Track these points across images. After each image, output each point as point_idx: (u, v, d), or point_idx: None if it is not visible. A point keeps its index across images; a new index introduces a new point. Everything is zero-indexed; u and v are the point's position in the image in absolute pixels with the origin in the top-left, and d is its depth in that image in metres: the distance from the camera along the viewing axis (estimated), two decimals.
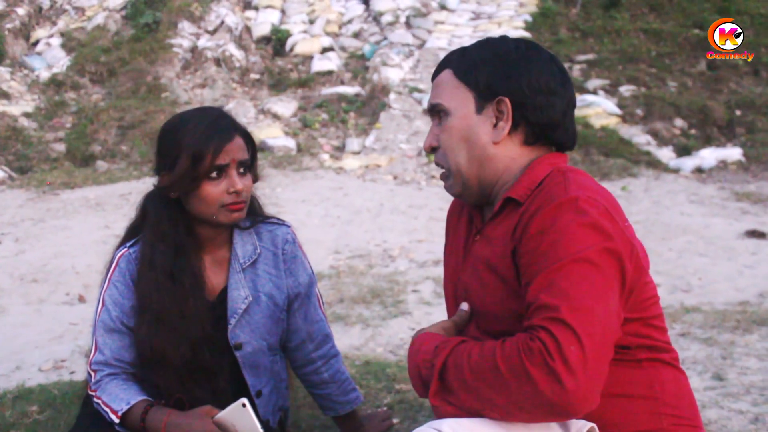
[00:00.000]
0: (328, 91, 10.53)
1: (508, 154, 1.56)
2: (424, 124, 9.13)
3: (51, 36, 12.15)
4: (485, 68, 1.56)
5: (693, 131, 9.68)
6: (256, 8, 12.57)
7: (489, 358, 1.34)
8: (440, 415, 1.42)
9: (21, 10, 12.37)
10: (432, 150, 1.64)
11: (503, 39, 1.62)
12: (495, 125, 1.56)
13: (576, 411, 1.29)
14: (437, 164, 1.65)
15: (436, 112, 1.62)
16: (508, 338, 1.36)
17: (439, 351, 1.44)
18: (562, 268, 1.35)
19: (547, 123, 1.55)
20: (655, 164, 8.56)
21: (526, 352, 1.29)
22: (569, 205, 1.41)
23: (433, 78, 1.67)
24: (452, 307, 1.73)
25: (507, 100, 1.53)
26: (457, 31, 11.55)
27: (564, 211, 1.40)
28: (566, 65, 10.81)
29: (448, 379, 1.41)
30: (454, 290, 1.71)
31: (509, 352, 1.32)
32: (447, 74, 1.62)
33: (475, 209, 1.67)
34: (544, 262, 1.38)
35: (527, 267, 1.42)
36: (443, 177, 1.66)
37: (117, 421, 1.86)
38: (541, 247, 1.40)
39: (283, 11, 12.48)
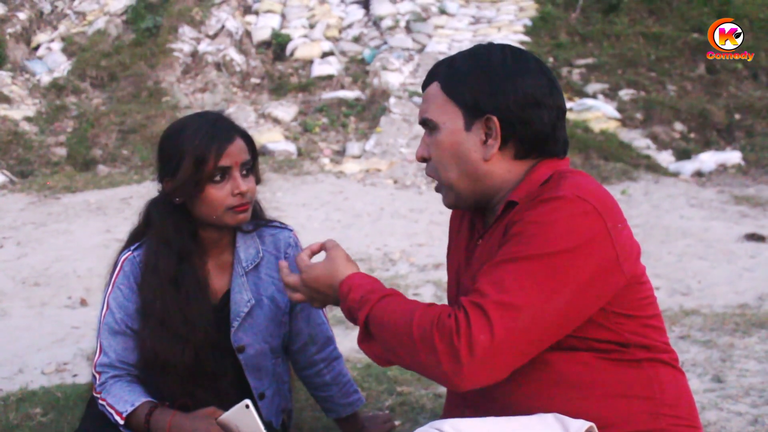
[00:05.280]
0: (328, 95, 10.54)
1: (501, 168, 1.56)
2: None
3: (52, 40, 12.17)
4: (472, 84, 1.55)
5: (692, 135, 9.70)
6: (257, 13, 12.59)
7: (407, 321, 1.41)
8: (369, 356, 1.53)
9: (22, 15, 12.39)
10: (423, 160, 1.64)
11: (489, 48, 1.60)
12: (484, 142, 1.55)
13: (463, 389, 1.37)
14: (428, 175, 1.66)
15: (426, 125, 1.62)
16: (430, 307, 1.43)
17: (364, 302, 1.51)
18: (514, 261, 1.38)
19: (536, 136, 1.55)
20: (654, 168, 8.57)
21: (438, 325, 1.36)
22: (552, 202, 1.42)
23: (423, 88, 1.66)
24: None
25: (495, 119, 1.52)
26: (457, 36, 11.57)
27: (543, 207, 1.42)
28: (566, 69, 10.84)
29: (371, 329, 1.49)
30: (456, 293, 1.72)
31: (425, 322, 1.39)
32: (435, 87, 1.61)
33: (477, 214, 1.68)
34: (504, 250, 1.42)
35: (498, 249, 1.46)
36: (437, 189, 1.66)
37: (121, 422, 1.87)
38: (509, 235, 1.43)
39: (283, 16, 12.50)
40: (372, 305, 1.49)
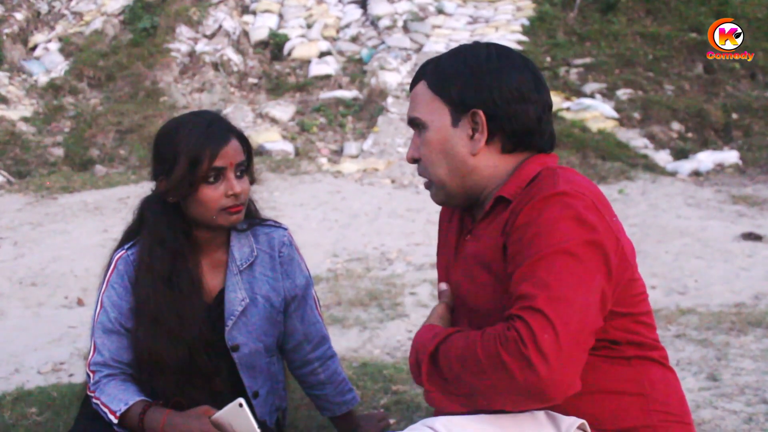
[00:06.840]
0: (325, 95, 10.55)
1: (489, 163, 1.59)
2: None
3: (49, 41, 12.16)
4: (457, 81, 1.58)
5: (690, 134, 9.71)
6: (254, 13, 12.59)
7: (471, 347, 1.38)
8: (433, 401, 1.46)
9: (19, 15, 12.39)
10: (414, 161, 1.67)
11: (475, 47, 1.64)
12: (471, 137, 1.58)
13: (552, 397, 1.32)
14: (420, 175, 1.68)
15: (415, 124, 1.65)
16: (489, 328, 1.39)
17: (434, 340, 1.48)
18: (543, 259, 1.38)
19: (522, 130, 1.57)
20: (652, 167, 8.58)
21: (502, 341, 1.33)
22: (556, 198, 1.44)
23: (411, 88, 1.69)
24: None
25: (481, 113, 1.55)
26: (454, 35, 11.57)
27: (550, 204, 1.43)
28: (563, 69, 10.85)
29: (439, 365, 1.45)
30: None
31: (488, 342, 1.36)
32: (422, 86, 1.64)
33: (466, 211, 1.70)
34: (528, 253, 1.41)
35: (512, 258, 1.45)
36: (427, 186, 1.68)
37: (115, 421, 1.88)
38: (525, 239, 1.43)
39: (280, 16, 12.50)
40: (442, 338, 1.46)
